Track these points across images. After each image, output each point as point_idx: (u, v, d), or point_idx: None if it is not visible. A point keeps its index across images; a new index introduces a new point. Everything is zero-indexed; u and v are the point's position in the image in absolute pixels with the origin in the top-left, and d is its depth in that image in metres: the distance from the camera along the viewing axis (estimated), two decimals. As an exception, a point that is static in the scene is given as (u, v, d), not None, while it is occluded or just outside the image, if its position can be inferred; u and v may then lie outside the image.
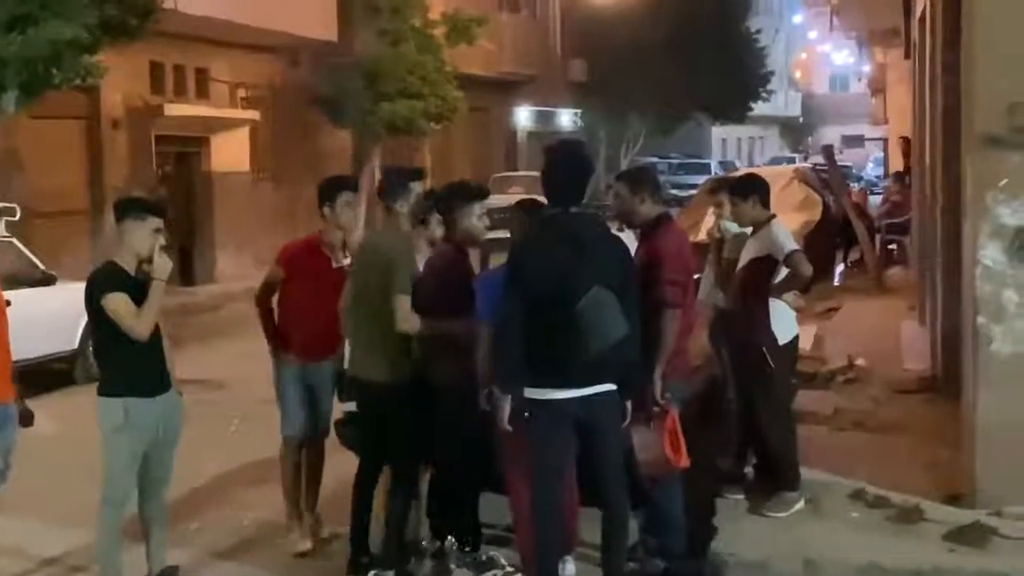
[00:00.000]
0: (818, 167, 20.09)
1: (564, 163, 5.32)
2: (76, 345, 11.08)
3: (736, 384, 6.87)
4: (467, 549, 5.75)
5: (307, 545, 6.25)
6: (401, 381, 5.58)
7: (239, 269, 18.98)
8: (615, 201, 5.98)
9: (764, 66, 40.86)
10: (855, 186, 26.42)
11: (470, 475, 5.73)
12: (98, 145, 18.12)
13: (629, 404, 5.20)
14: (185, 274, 19.02)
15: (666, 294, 5.53)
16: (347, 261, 6.26)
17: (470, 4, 25.37)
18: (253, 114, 20.92)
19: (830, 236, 16.39)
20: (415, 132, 23.32)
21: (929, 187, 11.14)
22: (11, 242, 11.20)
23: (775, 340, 6.64)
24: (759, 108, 42.89)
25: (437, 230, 5.83)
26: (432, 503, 5.90)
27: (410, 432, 5.63)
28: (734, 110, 40.49)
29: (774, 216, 6.83)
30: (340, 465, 6.26)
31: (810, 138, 64.26)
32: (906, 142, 21.02)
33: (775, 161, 45.37)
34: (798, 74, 65.11)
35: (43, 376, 10.58)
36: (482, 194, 5.96)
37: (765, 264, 6.65)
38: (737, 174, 13.06)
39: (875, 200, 23.66)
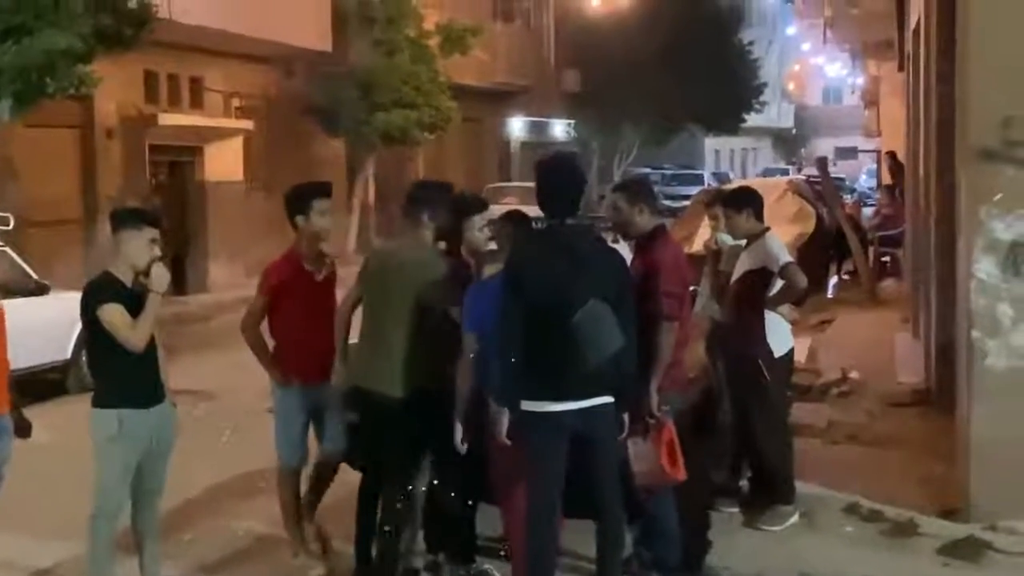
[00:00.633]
0: (812, 179, 20.12)
1: (558, 176, 5.33)
2: (69, 355, 11.02)
3: (731, 396, 6.85)
4: (460, 562, 5.72)
5: (320, 571, 6.07)
6: (406, 394, 5.52)
7: (231, 279, 18.93)
8: (612, 212, 5.95)
9: (757, 78, 41.05)
10: (848, 198, 26.46)
11: (468, 488, 5.70)
12: (92, 154, 18.06)
13: (626, 416, 5.20)
14: (177, 283, 18.96)
15: (662, 306, 5.52)
16: (325, 272, 6.06)
17: (464, 14, 25.42)
18: (247, 124, 20.88)
19: (824, 248, 16.37)
20: (409, 142, 23.40)
21: (923, 199, 11.14)
22: (4, 251, 11.15)
23: (771, 352, 6.64)
24: (752, 119, 43.05)
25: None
26: (428, 516, 5.86)
27: (409, 445, 5.60)
28: (727, 121, 40.67)
29: (768, 228, 6.83)
30: (346, 472, 6.15)
31: (803, 150, 64.33)
32: (892, 157, 21.10)
33: (768, 172, 45.39)
34: (791, 86, 65.25)
35: (36, 386, 10.52)
36: (482, 206, 5.91)
37: (760, 276, 6.65)
38: (730, 186, 13.06)
39: (868, 212, 23.72)
